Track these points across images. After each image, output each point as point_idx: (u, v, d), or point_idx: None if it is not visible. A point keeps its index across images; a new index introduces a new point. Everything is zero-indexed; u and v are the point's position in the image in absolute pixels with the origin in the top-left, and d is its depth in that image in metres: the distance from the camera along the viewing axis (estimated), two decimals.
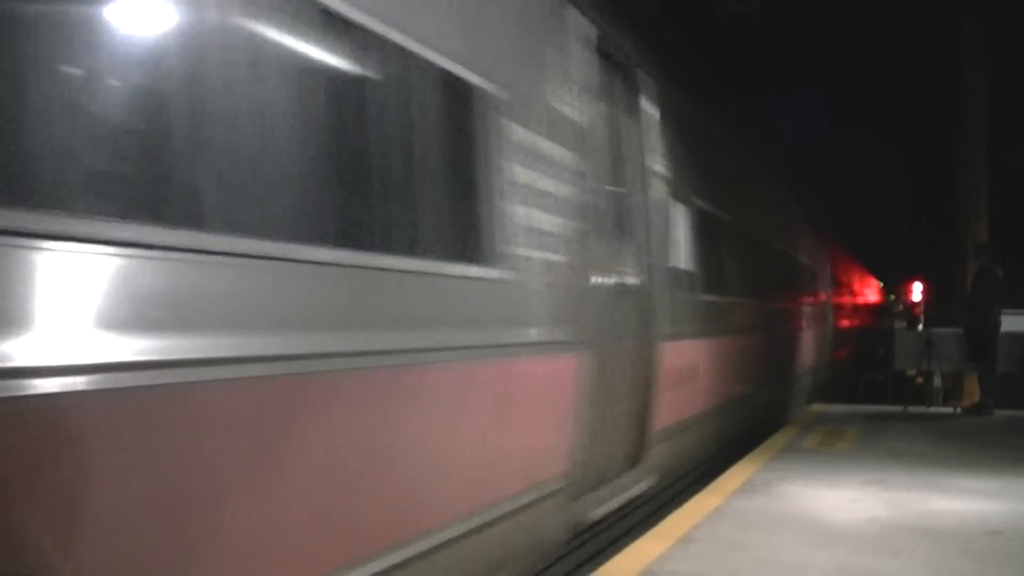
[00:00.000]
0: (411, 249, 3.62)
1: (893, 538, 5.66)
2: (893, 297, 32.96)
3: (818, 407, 14.05)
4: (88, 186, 2.31)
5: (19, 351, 2.11)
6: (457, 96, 4.01)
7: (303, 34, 3.08)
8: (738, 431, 9.66)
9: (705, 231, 7.98)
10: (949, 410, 13.66)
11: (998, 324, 12.49)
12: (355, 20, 3.28)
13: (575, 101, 5.21)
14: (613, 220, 5.86)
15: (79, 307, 2.26)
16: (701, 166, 8.13)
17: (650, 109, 6.58)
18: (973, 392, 14.90)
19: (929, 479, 7.67)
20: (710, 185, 8.41)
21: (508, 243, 4.34)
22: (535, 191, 4.65)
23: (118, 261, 2.35)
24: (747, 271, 9.87)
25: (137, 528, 2.41)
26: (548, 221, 4.78)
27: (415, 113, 3.69)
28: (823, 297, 16.82)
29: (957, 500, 6.84)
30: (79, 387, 2.24)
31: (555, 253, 4.84)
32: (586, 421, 5.23)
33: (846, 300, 21.46)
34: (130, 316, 2.38)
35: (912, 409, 13.29)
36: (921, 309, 22.58)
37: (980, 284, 12.58)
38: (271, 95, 2.92)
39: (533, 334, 4.61)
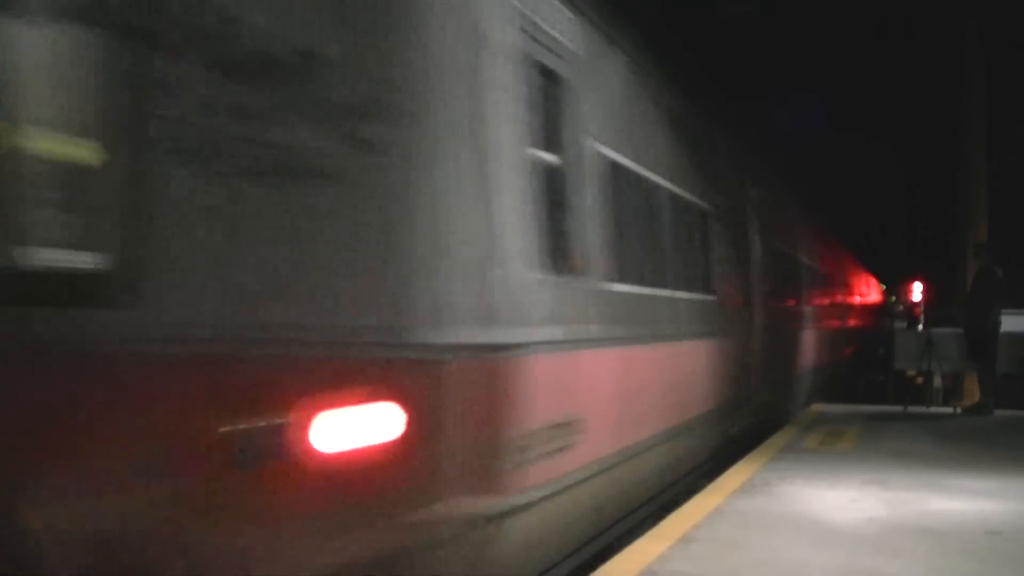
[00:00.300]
0: (693, 288, 7.79)
1: (893, 538, 5.67)
2: (894, 299, 33.00)
3: (818, 407, 14.03)
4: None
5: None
6: (702, 214, 8.42)
7: (681, 207, 7.67)
8: (793, 396, 13.64)
9: (779, 265, 12.23)
10: (949, 410, 13.65)
11: (998, 324, 12.47)
12: (687, 197, 7.88)
13: (729, 203, 9.55)
14: (743, 265, 10.05)
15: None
16: (776, 222, 12.47)
17: (754, 198, 10.95)
18: (973, 392, 14.89)
19: (929, 479, 7.67)
20: (783, 233, 12.92)
21: (715, 282, 8.62)
22: (722, 255, 8.97)
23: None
24: (802, 287, 14.44)
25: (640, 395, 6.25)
26: (726, 270, 9.09)
27: (692, 224, 8.05)
28: (846, 301, 21.47)
29: (957, 500, 6.84)
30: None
31: (727, 287, 9.09)
32: (730, 376, 9.08)
33: (859, 302, 24.91)
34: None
35: (912, 409, 13.29)
36: (921, 309, 22.57)
37: (980, 284, 12.55)
38: (666, 221, 7.22)
39: (720, 328, 8.65)
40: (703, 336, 8.02)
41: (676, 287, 7.19)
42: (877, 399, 17.20)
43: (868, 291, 29.45)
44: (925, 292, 23.30)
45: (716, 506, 6.53)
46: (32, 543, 3.56)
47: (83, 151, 3.78)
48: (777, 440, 10.04)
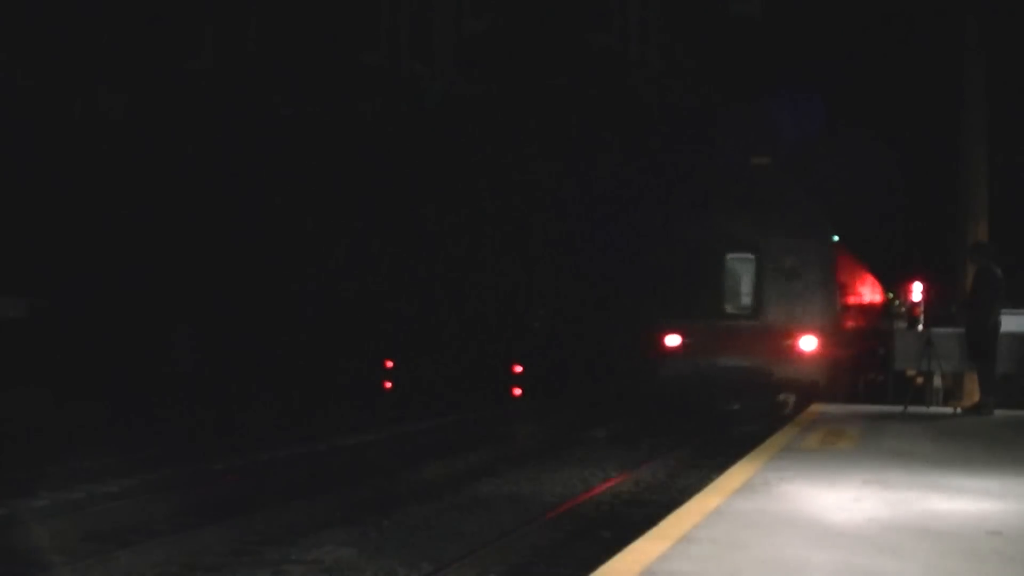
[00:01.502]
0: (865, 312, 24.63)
1: (893, 538, 5.66)
2: (897, 302, 32.99)
3: (818, 407, 14.04)
4: None
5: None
6: (848, 286, 21.76)
7: (849, 289, 22.33)
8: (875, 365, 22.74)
9: (865, 296, 24.13)
10: (949, 410, 13.66)
11: (998, 324, 12.46)
12: (850, 287, 23.00)
13: (853, 276, 22.40)
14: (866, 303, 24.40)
15: None
16: (860, 276, 22.25)
17: (855, 268, 22.41)
18: (973, 392, 14.88)
19: (929, 479, 7.67)
20: (861, 281, 22.54)
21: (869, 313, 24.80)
22: (864, 302, 24.24)
23: None
24: (864, 304, 24.38)
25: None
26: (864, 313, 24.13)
27: (848, 291, 21.94)
28: (873, 304, 28.84)
29: (958, 500, 6.84)
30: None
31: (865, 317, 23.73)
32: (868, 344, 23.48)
33: (875, 303, 28.73)
34: None
35: (912, 409, 13.30)
36: (921, 309, 22.59)
37: (980, 284, 12.54)
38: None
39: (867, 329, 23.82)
40: (866, 331, 22.24)
41: (860, 314, 22.51)
42: (877, 399, 17.20)
43: (878, 296, 29.98)
44: (925, 292, 23.28)
45: (716, 506, 6.52)
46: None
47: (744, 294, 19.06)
48: (777, 440, 10.03)
